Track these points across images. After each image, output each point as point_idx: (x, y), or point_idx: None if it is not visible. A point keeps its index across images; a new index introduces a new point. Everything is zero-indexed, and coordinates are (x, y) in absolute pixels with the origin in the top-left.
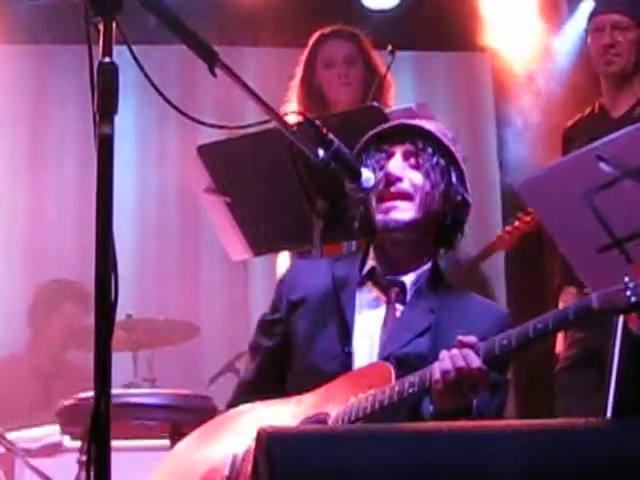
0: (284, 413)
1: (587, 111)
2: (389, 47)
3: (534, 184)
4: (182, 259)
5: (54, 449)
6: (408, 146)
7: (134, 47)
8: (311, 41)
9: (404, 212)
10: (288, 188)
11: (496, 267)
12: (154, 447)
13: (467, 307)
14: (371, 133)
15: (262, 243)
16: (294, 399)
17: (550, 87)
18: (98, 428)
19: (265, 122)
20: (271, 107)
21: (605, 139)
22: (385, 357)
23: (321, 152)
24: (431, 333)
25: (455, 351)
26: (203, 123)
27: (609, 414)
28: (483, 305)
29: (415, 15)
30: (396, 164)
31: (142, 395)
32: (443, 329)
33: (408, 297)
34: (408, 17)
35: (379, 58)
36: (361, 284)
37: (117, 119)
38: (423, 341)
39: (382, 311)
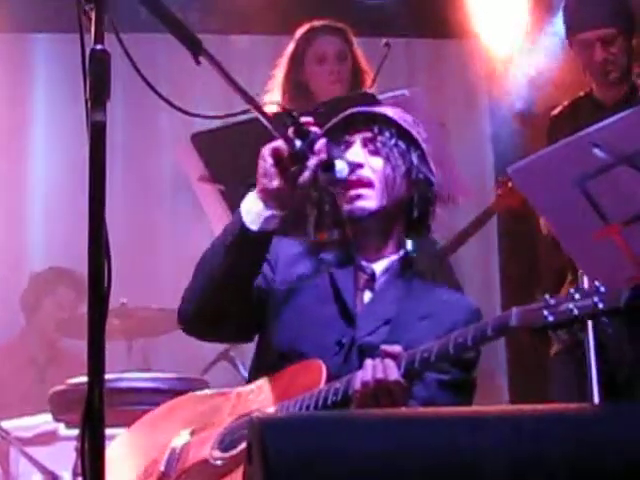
0: (223, 408)
1: (572, 99)
2: (384, 40)
3: (527, 170)
4: (176, 247)
5: (49, 437)
6: (365, 133)
7: (125, 36)
8: (299, 34)
9: (368, 200)
10: None
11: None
12: None
13: (435, 298)
14: (328, 125)
15: None
16: (234, 392)
17: (540, 73)
18: (92, 417)
19: (245, 112)
20: (251, 96)
21: (599, 125)
22: (349, 344)
23: (298, 143)
24: (393, 323)
25: (377, 361)
26: (186, 112)
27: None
28: (451, 297)
29: (406, 2)
30: (356, 152)
31: (137, 380)
32: (406, 319)
33: (377, 285)
34: (399, 4)
35: (362, 51)
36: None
37: (109, 105)
38: (385, 330)
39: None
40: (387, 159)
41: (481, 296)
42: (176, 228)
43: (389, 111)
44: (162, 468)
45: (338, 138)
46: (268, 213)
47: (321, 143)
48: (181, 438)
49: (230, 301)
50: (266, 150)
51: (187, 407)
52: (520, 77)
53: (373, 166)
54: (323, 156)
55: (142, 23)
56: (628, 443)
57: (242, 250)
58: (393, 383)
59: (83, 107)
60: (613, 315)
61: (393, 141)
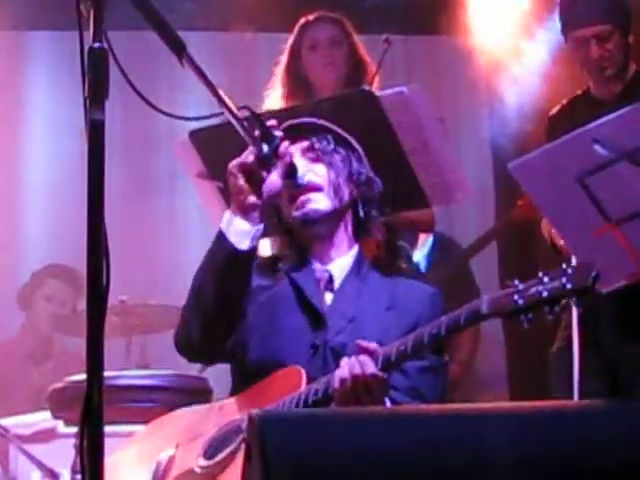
0: (208, 420)
1: (570, 98)
2: (384, 36)
3: (528, 166)
4: (175, 243)
5: (48, 435)
6: (303, 143)
7: (125, 33)
8: (296, 28)
9: (319, 202)
10: None
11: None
12: None
13: (395, 289)
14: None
15: None
16: (217, 405)
17: (540, 70)
18: (91, 414)
19: (218, 114)
20: (224, 99)
21: (599, 121)
22: (323, 346)
23: (265, 147)
24: (357, 319)
25: (353, 359)
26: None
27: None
28: (412, 287)
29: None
30: (296, 162)
31: (136, 377)
32: (370, 313)
33: (336, 285)
34: (397, 1)
35: (362, 44)
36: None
37: (107, 103)
38: (351, 328)
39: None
40: (329, 165)
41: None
42: (175, 225)
43: (320, 120)
44: None
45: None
46: (254, 229)
47: (285, 147)
48: (166, 452)
49: (228, 325)
50: (234, 168)
51: (172, 424)
52: (519, 75)
53: (317, 172)
54: (287, 160)
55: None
56: (630, 440)
57: (236, 272)
58: (370, 377)
59: (82, 105)
60: (582, 295)
61: (332, 147)
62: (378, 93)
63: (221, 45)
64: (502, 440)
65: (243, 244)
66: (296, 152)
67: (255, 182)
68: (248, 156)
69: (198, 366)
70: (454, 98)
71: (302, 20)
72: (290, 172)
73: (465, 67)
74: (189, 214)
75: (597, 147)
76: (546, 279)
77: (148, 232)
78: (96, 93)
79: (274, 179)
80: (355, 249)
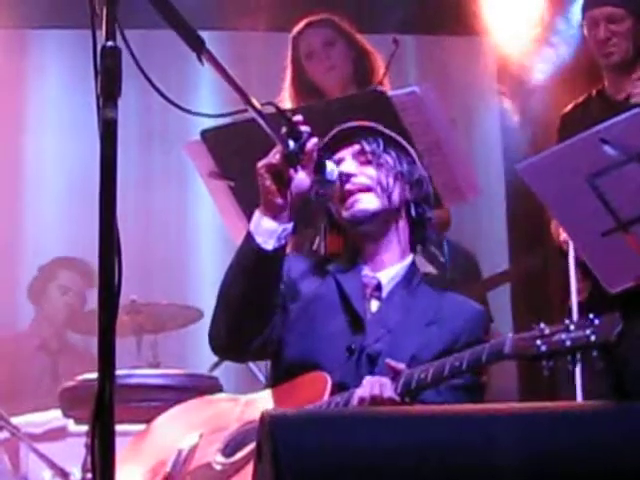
0: (232, 413)
1: (583, 97)
2: (392, 37)
3: (537, 167)
4: (185, 243)
5: (58, 433)
6: (355, 147)
7: (138, 32)
8: (289, 41)
9: (368, 202)
10: None
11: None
12: None
13: (441, 305)
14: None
15: None
16: (244, 399)
17: (553, 70)
18: (102, 413)
19: (242, 111)
20: (249, 97)
21: (609, 122)
22: (359, 353)
23: (291, 143)
24: (397, 330)
25: (375, 379)
26: (182, 108)
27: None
28: (457, 303)
29: None
30: (348, 165)
31: (146, 376)
32: (411, 326)
33: (384, 293)
34: (408, 1)
35: (361, 36)
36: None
37: (120, 100)
38: (390, 337)
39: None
40: (379, 166)
41: (492, 294)
42: (186, 224)
43: (373, 123)
44: (168, 469)
45: (328, 157)
46: (281, 229)
47: (312, 143)
48: (189, 440)
49: (258, 325)
50: (261, 169)
51: (197, 410)
52: (531, 74)
53: (367, 174)
54: (314, 156)
55: (153, 20)
56: (636, 441)
57: (262, 272)
58: (387, 400)
59: (94, 104)
60: (604, 349)
61: (382, 150)
62: (390, 93)
63: (232, 45)
64: (508, 440)
65: (269, 244)
66: (347, 156)
67: (283, 181)
68: (275, 155)
69: (209, 365)
70: (465, 98)
71: (293, 32)
72: (318, 168)
73: (477, 67)
74: (200, 213)
75: (607, 148)
76: (572, 327)
77: (159, 231)
78: (109, 91)
79: (302, 177)
80: (408, 259)
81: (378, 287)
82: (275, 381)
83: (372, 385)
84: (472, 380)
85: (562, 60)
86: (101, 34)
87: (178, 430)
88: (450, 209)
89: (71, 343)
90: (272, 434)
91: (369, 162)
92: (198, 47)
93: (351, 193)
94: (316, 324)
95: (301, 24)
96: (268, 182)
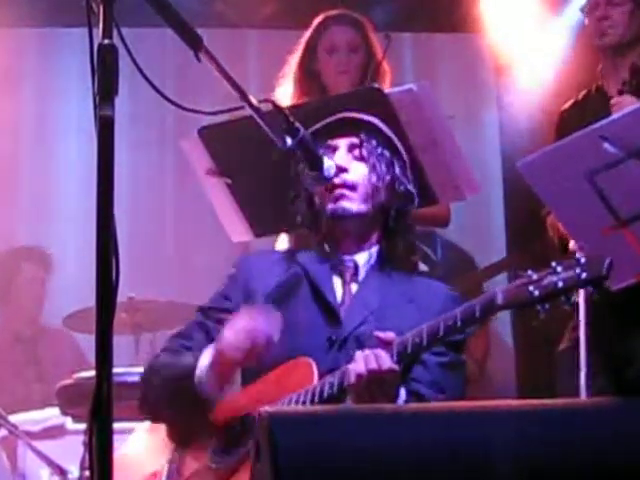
0: (220, 412)
1: (583, 94)
2: (384, 33)
3: (536, 164)
4: (183, 240)
5: (56, 431)
6: (352, 138)
7: (134, 30)
8: (314, 23)
9: (351, 201)
10: (289, 169)
11: None
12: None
13: (416, 285)
14: (314, 128)
15: (263, 224)
16: (229, 397)
17: (550, 68)
18: (100, 411)
19: (238, 108)
20: (246, 94)
21: (609, 119)
22: (345, 336)
23: (289, 140)
24: (379, 311)
25: (368, 353)
26: (179, 106)
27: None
28: (431, 285)
29: None
30: (341, 156)
31: None
32: (392, 305)
33: (361, 276)
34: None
35: (379, 44)
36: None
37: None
38: (373, 318)
39: (339, 290)
40: (372, 167)
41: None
42: (182, 222)
43: (376, 119)
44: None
45: (323, 140)
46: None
47: (313, 140)
48: (178, 448)
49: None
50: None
51: None
52: (530, 71)
53: (358, 171)
54: (313, 152)
55: (150, 18)
56: (635, 438)
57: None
58: (387, 372)
59: (91, 102)
60: (597, 284)
61: (379, 150)
62: (387, 91)
63: (229, 42)
64: (506, 438)
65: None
66: (342, 146)
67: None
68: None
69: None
70: (463, 95)
71: (321, 17)
72: (315, 164)
73: (474, 64)
74: (197, 210)
75: (606, 145)
76: (560, 269)
77: (156, 228)
78: (105, 90)
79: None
80: (375, 247)
81: (356, 271)
82: (250, 379)
83: (367, 359)
84: (457, 358)
85: (560, 57)
86: (98, 32)
87: (162, 441)
88: (450, 205)
89: (45, 327)
90: (270, 432)
91: (362, 158)
92: (196, 44)
93: (336, 187)
94: (290, 320)
95: (331, 13)
96: (226, 361)
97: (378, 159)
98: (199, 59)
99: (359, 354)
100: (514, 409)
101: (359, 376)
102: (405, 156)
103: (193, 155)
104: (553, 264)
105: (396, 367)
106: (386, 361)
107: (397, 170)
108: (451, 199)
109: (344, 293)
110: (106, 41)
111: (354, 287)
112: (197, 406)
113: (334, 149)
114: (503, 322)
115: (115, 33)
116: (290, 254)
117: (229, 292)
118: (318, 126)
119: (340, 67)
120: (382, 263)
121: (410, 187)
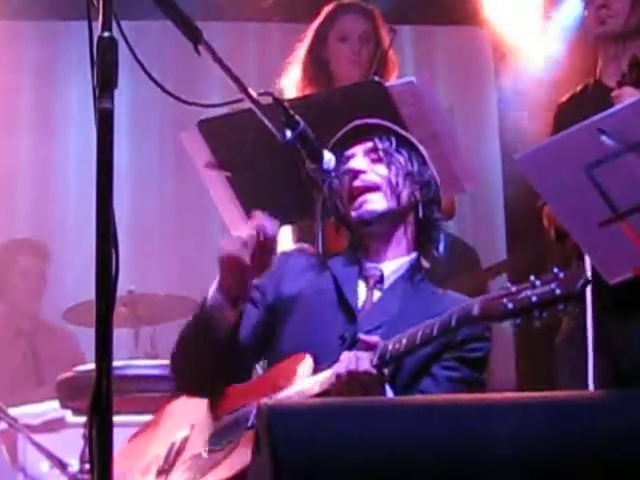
0: (221, 402)
1: (580, 87)
2: (389, 26)
3: (535, 156)
4: (183, 233)
5: (56, 424)
6: (367, 144)
7: (134, 23)
8: (325, 11)
9: (375, 203)
10: (289, 162)
11: None
12: None
13: (438, 300)
14: (332, 141)
15: None
16: (232, 389)
17: (551, 60)
18: (100, 404)
19: (238, 101)
20: (246, 87)
21: (607, 112)
22: (352, 340)
23: (288, 132)
24: (394, 319)
25: (351, 354)
26: (179, 99)
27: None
28: (454, 299)
29: None
30: (358, 161)
31: (144, 367)
32: (410, 317)
33: (385, 284)
34: None
35: (387, 36)
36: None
37: (115, 92)
38: (386, 327)
39: (363, 296)
40: (390, 164)
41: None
42: (182, 215)
43: (386, 121)
44: (161, 461)
45: (339, 153)
46: (234, 312)
47: (313, 133)
48: (181, 433)
49: (217, 373)
50: (222, 260)
51: (189, 404)
52: (529, 64)
53: (377, 171)
54: (312, 145)
55: (151, 11)
56: (633, 430)
57: (211, 339)
58: (362, 373)
59: (91, 95)
60: (569, 301)
61: (395, 149)
62: (387, 83)
63: (229, 36)
64: (505, 430)
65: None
66: (359, 152)
67: (241, 271)
68: (240, 250)
69: None
70: (463, 88)
71: (333, 4)
72: (315, 157)
73: (474, 57)
74: (197, 204)
75: (604, 138)
76: (538, 283)
77: (155, 221)
78: (105, 82)
79: (265, 263)
80: (413, 255)
81: (381, 279)
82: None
83: (349, 360)
84: (471, 375)
85: (560, 50)
86: (97, 25)
87: (172, 424)
88: (453, 196)
89: (45, 321)
90: (270, 425)
91: (380, 160)
92: (195, 38)
93: (359, 191)
94: (312, 317)
95: (343, 1)
96: (226, 273)
97: (396, 157)
98: (199, 52)
99: (345, 354)
100: (514, 401)
101: (338, 376)
102: (424, 151)
103: (192, 148)
104: (532, 278)
105: (372, 370)
106: (364, 363)
107: (415, 165)
108: (451, 191)
109: (366, 299)
110: (105, 34)
111: (377, 294)
112: (219, 342)
113: (351, 157)
114: None
115: (115, 27)
116: (323, 258)
117: (263, 285)
118: (336, 138)
119: (352, 56)
120: (413, 274)
121: (433, 176)
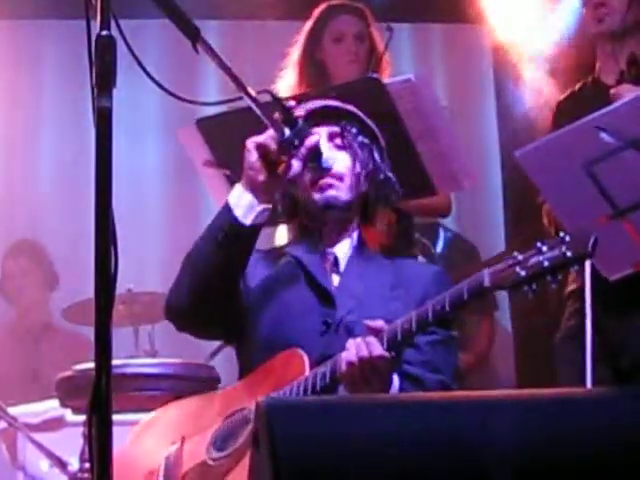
0: (212, 409)
1: (579, 85)
2: (386, 25)
3: (534, 154)
4: (183, 232)
5: (56, 423)
6: (333, 127)
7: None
8: (317, 12)
9: (340, 190)
10: None
11: None
12: None
13: (401, 269)
14: (295, 115)
15: None
16: (220, 392)
17: (550, 58)
18: (99, 402)
19: (237, 99)
20: (244, 85)
21: (606, 109)
22: (337, 325)
23: (287, 131)
24: (363, 298)
25: (359, 340)
26: (178, 97)
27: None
28: (415, 266)
29: None
30: (322, 144)
31: (143, 365)
32: (376, 293)
33: (342, 267)
34: None
35: (379, 35)
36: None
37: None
38: (359, 306)
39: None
40: (355, 155)
41: None
42: (182, 213)
43: (355, 108)
44: (161, 478)
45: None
46: (260, 207)
47: (314, 140)
48: (173, 446)
49: (221, 297)
50: (250, 143)
51: (173, 415)
52: (528, 62)
53: (342, 161)
54: (312, 143)
55: (148, 9)
56: (633, 427)
57: (235, 245)
58: (377, 358)
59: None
60: (582, 262)
61: (359, 138)
62: (385, 81)
63: (227, 34)
64: (505, 427)
65: (247, 219)
66: (323, 134)
67: (269, 162)
68: (269, 139)
69: (206, 354)
70: (462, 86)
71: (324, 5)
72: (314, 155)
73: (473, 55)
74: (197, 202)
75: (603, 135)
76: (545, 248)
77: (155, 220)
78: (103, 81)
79: (295, 164)
80: (355, 232)
81: (335, 262)
82: (248, 366)
83: (358, 346)
84: (446, 334)
85: (559, 48)
86: (96, 24)
87: (157, 438)
88: (451, 195)
89: (49, 322)
90: (269, 422)
91: (344, 147)
92: (193, 36)
93: (324, 176)
94: (284, 303)
95: (334, 2)
96: (254, 158)
97: (359, 147)
98: (197, 50)
99: (351, 342)
100: (514, 398)
101: (350, 364)
102: (382, 141)
103: (191, 146)
104: (538, 244)
105: (386, 354)
106: (377, 348)
107: (376, 158)
108: (450, 189)
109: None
110: (104, 32)
111: (335, 279)
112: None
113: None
114: (502, 308)
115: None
116: (276, 249)
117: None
118: (298, 114)
119: (350, 56)
120: (361, 251)
121: (390, 174)
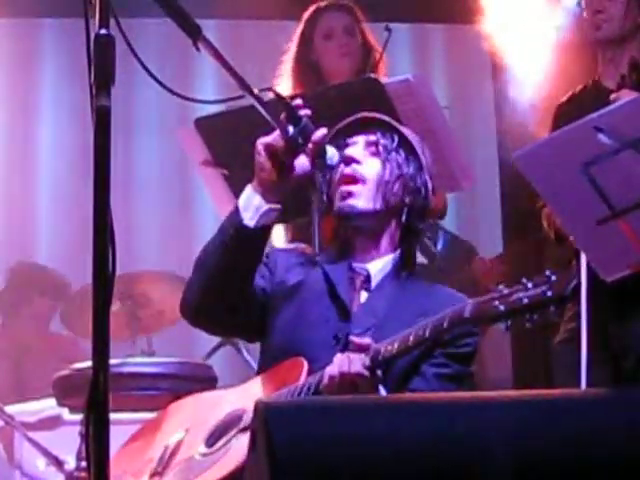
0: (218, 405)
1: (579, 88)
2: (385, 25)
3: (532, 155)
4: (181, 232)
5: (53, 422)
6: (370, 136)
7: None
8: (306, 15)
9: (358, 198)
10: None
11: None
12: None
13: (429, 297)
14: (338, 126)
15: None
16: (229, 390)
17: (548, 59)
18: (97, 401)
19: (239, 97)
20: (247, 83)
21: (603, 110)
22: (346, 341)
23: (291, 128)
24: (384, 320)
25: (344, 355)
26: (178, 95)
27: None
28: (445, 294)
29: None
30: (357, 150)
31: (141, 365)
32: (400, 316)
33: (372, 285)
34: None
35: (372, 32)
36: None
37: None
38: (376, 328)
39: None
40: (386, 163)
41: None
42: (184, 215)
43: (393, 120)
44: (154, 464)
45: (341, 139)
46: (266, 207)
47: (321, 134)
48: (176, 436)
49: (231, 296)
50: (259, 145)
51: (186, 407)
52: (527, 63)
53: (370, 166)
54: (318, 140)
55: (147, 8)
56: (633, 428)
57: (241, 248)
58: (355, 375)
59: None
60: (560, 303)
61: (395, 148)
62: (384, 81)
63: (228, 32)
64: (503, 428)
65: (252, 220)
66: (360, 142)
67: (278, 162)
68: (277, 139)
69: (203, 354)
70: (460, 87)
71: (312, 8)
72: (319, 152)
73: (471, 55)
74: (198, 203)
75: (601, 136)
76: (530, 285)
77: (154, 219)
78: (102, 80)
79: (303, 161)
80: (397, 253)
81: (367, 279)
82: (262, 368)
83: (341, 362)
84: (461, 369)
85: (557, 48)
86: (95, 22)
87: (167, 429)
88: (445, 195)
89: (37, 356)
90: (266, 423)
91: (377, 154)
92: (195, 34)
93: (347, 180)
94: (302, 312)
95: (321, 4)
96: (263, 159)
97: (392, 156)
98: (198, 49)
99: (337, 356)
100: (510, 400)
101: (332, 377)
102: (422, 157)
103: (190, 145)
104: (524, 280)
105: (364, 372)
106: (356, 365)
107: (411, 169)
108: (448, 189)
109: (354, 300)
110: (102, 31)
111: (363, 296)
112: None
113: (351, 145)
114: None
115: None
116: (310, 257)
117: (273, 262)
118: (342, 125)
119: (341, 49)
120: (398, 271)
121: (425, 186)
